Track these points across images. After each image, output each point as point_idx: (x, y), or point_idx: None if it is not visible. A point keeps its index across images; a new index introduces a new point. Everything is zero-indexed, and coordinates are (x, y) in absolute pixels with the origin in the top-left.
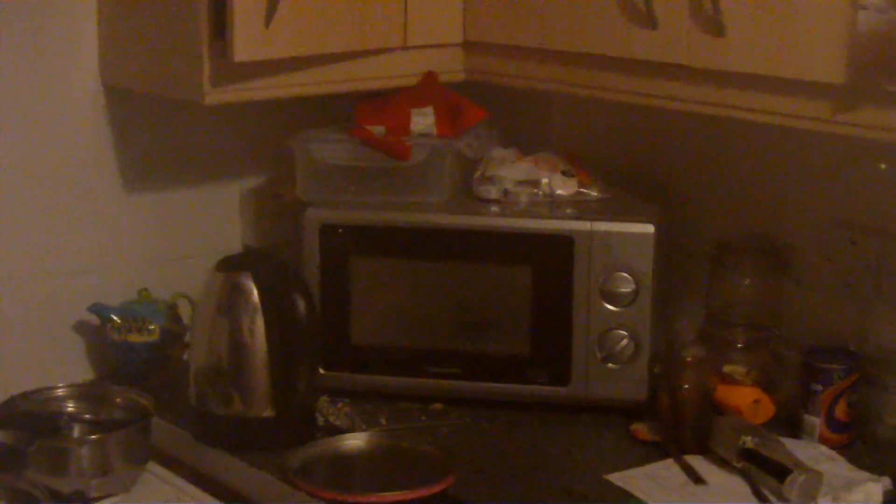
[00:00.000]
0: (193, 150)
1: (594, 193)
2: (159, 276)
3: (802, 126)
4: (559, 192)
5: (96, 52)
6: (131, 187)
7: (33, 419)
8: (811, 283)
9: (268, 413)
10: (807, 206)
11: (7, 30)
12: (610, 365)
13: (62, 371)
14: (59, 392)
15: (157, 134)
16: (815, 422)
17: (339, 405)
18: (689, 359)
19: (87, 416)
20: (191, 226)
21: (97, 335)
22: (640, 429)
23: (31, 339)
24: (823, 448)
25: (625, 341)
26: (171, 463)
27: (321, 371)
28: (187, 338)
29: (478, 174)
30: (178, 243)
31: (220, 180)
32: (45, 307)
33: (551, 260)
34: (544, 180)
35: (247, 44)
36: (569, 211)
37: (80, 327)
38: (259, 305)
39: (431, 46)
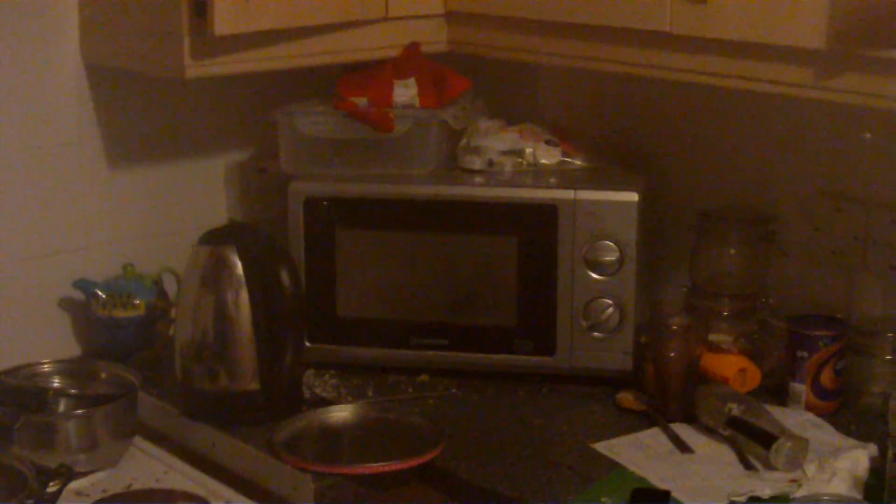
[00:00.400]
0: (177, 126)
1: (578, 163)
2: (145, 252)
3: (785, 92)
4: (543, 161)
5: (77, 30)
6: (116, 164)
7: (19, 395)
8: (797, 252)
9: (253, 387)
10: (793, 175)
11: None
12: (595, 334)
13: (48, 347)
14: (45, 368)
15: (141, 110)
16: (801, 389)
17: (326, 377)
18: (674, 327)
19: (73, 391)
20: (176, 201)
21: (83, 311)
22: (626, 398)
23: (16, 315)
24: (810, 415)
25: (610, 310)
26: (157, 438)
27: (307, 344)
28: (173, 313)
29: (462, 144)
30: (164, 219)
31: (205, 155)
32: (31, 284)
33: (536, 229)
34: (528, 150)
35: (227, 16)
36: (553, 180)
37: (66, 303)
38: (243, 279)
39: (413, 17)
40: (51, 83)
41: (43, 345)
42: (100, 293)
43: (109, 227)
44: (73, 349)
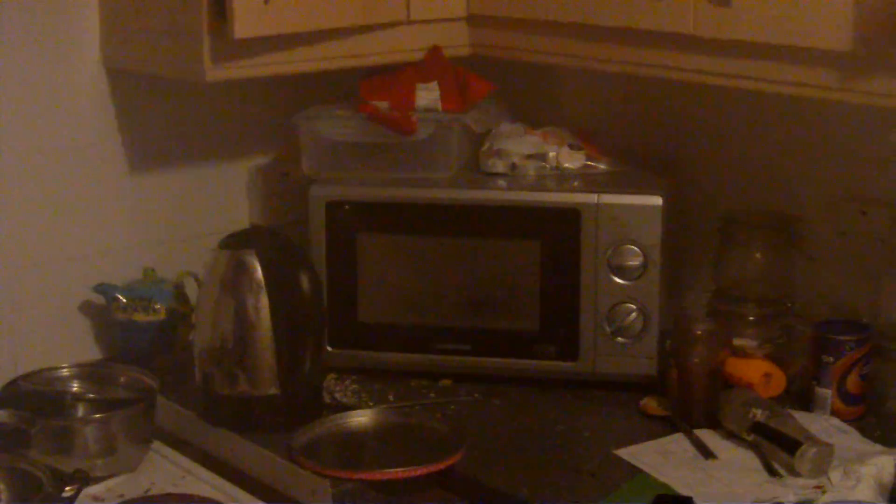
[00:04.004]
0: (198, 130)
1: (602, 166)
2: (166, 257)
3: (810, 95)
4: (566, 165)
5: (98, 34)
6: (137, 168)
7: (37, 399)
8: (822, 256)
9: (273, 391)
10: (817, 179)
11: (9, 15)
12: (619, 339)
13: (68, 351)
14: (64, 372)
15: (163, 114)
16: (827, 394)
17: (347, 382)
18: (698, 332)
19: (91, 395)
20: (198, 205)
21: (103, 315)
22: (650, 403)
23: (36, 319)
24: (835, 420)
25: (633, 315)
26: (176, 443)
27: (328, 349)
28: (193, 317)
29: (485, 148)
30: (186, 223)
31: (227, 159)
32: (51, 288)
33: (559, 233)
34: (551, 154)
35: (247, 20)
36: (576, 184)
37: (86, 307)
38: (263, 283)
39: (435, 21)
40: (72, 87)
41: (63, 348)
42: (120, 297)
43: (130, 231)
44: (92, 353)
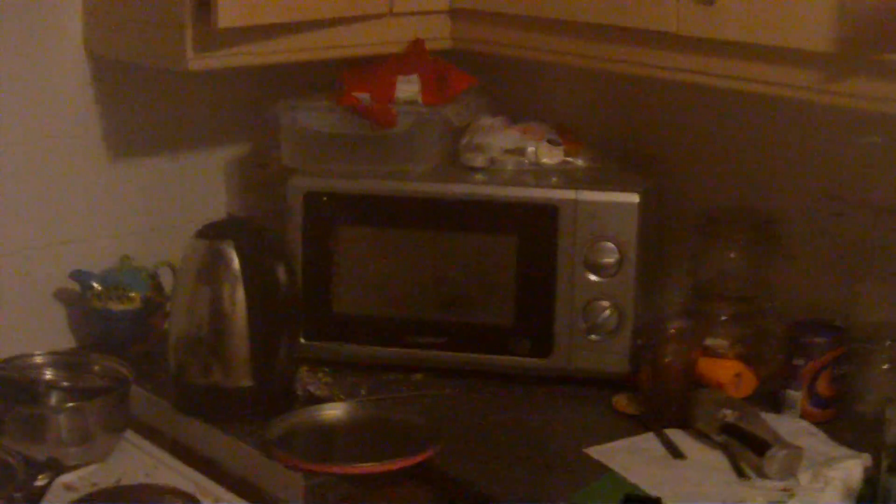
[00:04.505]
0: (178, 119)
1: (580, 163)
2: (143, 245)
3: (792, 95)
4: (545, 160)
5: (81, 21)
6: (116, 156)
7: (10, 386)
8: (799, 256)
9: (247, 383)
10: (795, 179)
11: None
12: (593, 336)
13: (43, 338)
14: (37, 360)
15: (142, 102)
16: (797, 396)
17: (320, 375)
18: (671, 331)
19: (65, 383)
20: (175, 195)
21: (78, 303)
22: (622, 401)
23: (11, 306)
24: (804, 423)
25: (608, 312)
26: (149, 432)
27: (302, 340)
28: (168, 307)
29: (464, 142)
30: (163, 212)
31: (205, 149)
32: (27, 275)
33: (536, 229)
34: (530, 149)
35: (230, 9)
36: (554, 180)
37: (62, 294)
38: (240, 274)
39: (418, 13)
40: (53, 74)
41: (37, 336)
42: (95, 285)
43: (108, 219)
44: (67, 341)
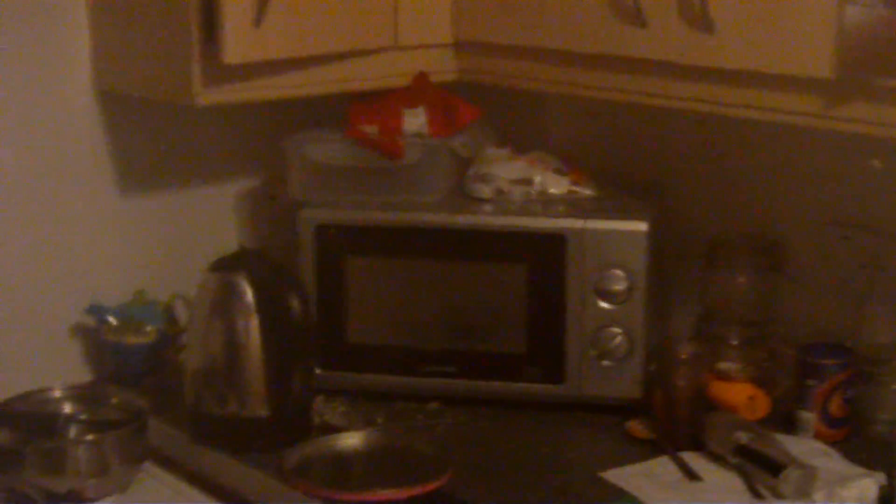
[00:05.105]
0: (188, 152)
1: (587, 192)
2: (156, 278)
3: (793, 122)
4: (552, 190)
5: (89, 56)
6: (127, 190)
7: (30, 420)
8: (806, 280)
9: (263, 413)
10: (801, 204)
11: (0, 37)
12: (604, 362)
13: (59, 372)
14: (56, 393)
15: (152, 136)
16: (810, 417)
17: (336, 404)
18: (683, 356)
19: (83, 416)
20: (187, 227)
21: (94, 336)
22: (635, 426)
23: (28, 340)
24: (818, 444)
25: (619, 339)
26: (168, 463)
27: (317, 370)
28: (184, 339)
29: (471, 173)
30: (175, 245)
31: (215, 182)
32: (43, 309)
33: (545, 258)
34: (537, 179)
35: (237, 45)
36: (562, 209)
37: (78, 329)
38: (253, 305)
39: (422, 47)
40: (63, 109)
41: (54, 369)
42: (111, 319)
43: (121, 252)
44: (84, 374)
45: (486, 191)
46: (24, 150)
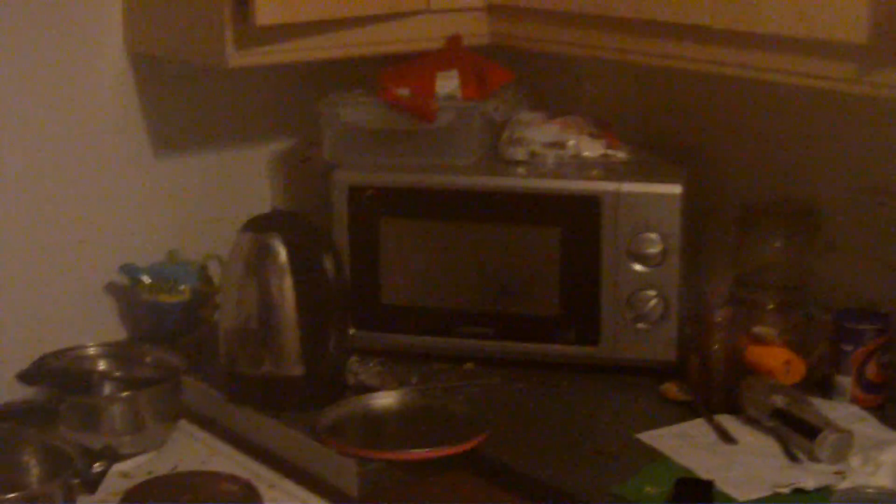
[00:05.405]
0: (221, 114)
1: (621, 155)
2: (190, 238)
3: (827, 87)
4: (586, 153)
5: (121, 19)
6: (161, 151)
7: (65, 377)
8: (841, 245)
9: (297, 372)
10: (835, 169)
11: (33, 1)
12: (639, 325)
13: (94, 330)
14: (91, 351)
15: (185, 99)
16: (846, 382)
17: (370, 364)
18: (718, 319)
19: (117, 374)
20: (220, 188)
21: (128, 295)
22: (670, 388)
23: (63, 299)
24: (854, 408)
25: (654, 301)
26: (202, 421)
27: (352, 331)
28: (218, 298)
29: (505, 136)
30: (209, 206)
31: (249, 143)
32: (78, 268)
33: (579, 221)
34: (571, 142)
35: (269, 7)
36: (596, 172)
37: (112, 287)
38: (287, 266)
39: (455, 10)
40: (96, 71)
41: (89, 328)
42: (145, 278)
43: (155, 213)
44: (119, 333)
45: (519, 154)
46: (58, 112)
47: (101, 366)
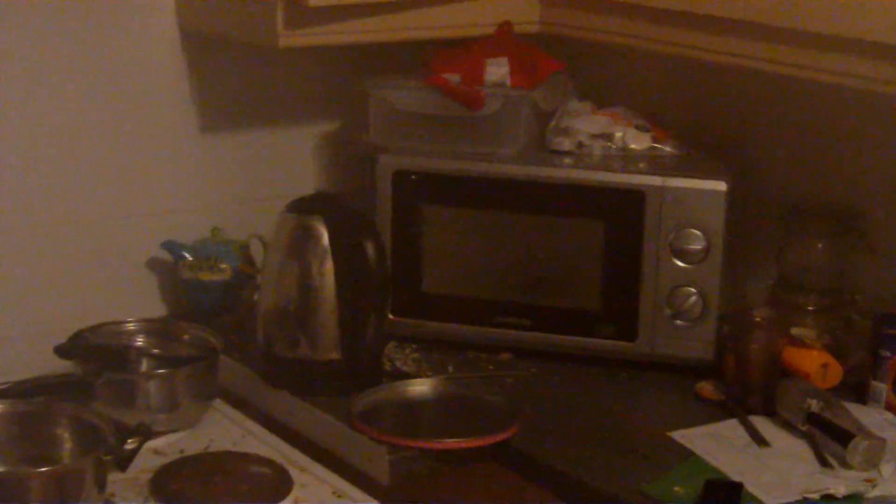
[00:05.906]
0: (269, 94)
1: (668, 149)
2: (233, 217)
3: (875, 89)
4: (633, 146)
5: None
6: (207, 129)
7: (102, 352)
8: (884, 249)
9: (334, 356)
10: (883, 173)
11: None
12: (678, 322)
13: (134, 306)
14: (129, 326)
15: (234, 77)
16: (882, 388)
17: (407, 351)
18: (757, 319)
19: (155, 351)
20: (265, 168)
21: (170, 272)
22: (706, 388)
23: (104, 273)
24: (889, 415)
25: (693, 298)
26: (237, 402)
27: (390, 317)
28: (258, 279)
29: (552, 126)
30: (253, 185)
31: (295, 124)
32: (120, 243)
33: (622, 214)
34: (618, 134)
35: None
36: (642, 166)
37: (154, 263)
38: (329, 249)
39: None
40: (147, 48)
41: (129, 303)
42: (187, 255)
43: (199, 191)
44: (158, 309)
45: (566, 144)
46: (107, 89)
47: (139, 342)
